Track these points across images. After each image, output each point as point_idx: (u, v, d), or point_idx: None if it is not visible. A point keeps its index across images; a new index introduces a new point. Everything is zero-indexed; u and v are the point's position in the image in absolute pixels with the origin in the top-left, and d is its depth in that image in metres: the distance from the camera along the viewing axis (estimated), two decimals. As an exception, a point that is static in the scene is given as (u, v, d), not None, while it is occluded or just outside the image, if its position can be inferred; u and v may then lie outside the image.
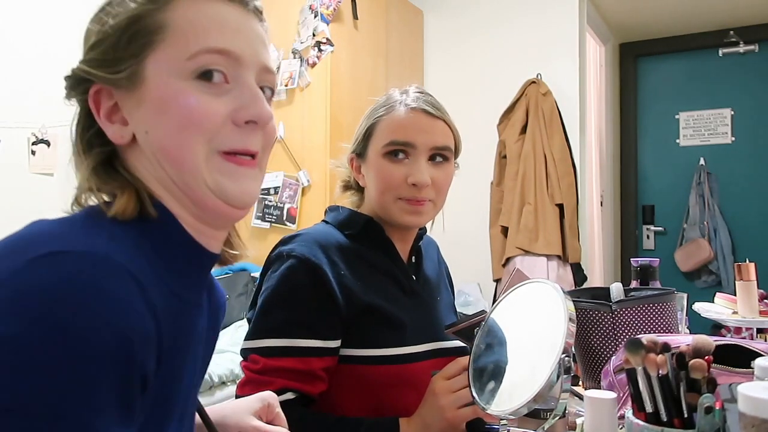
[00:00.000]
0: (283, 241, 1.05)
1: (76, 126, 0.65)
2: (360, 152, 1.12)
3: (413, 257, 1.17)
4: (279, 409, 0.81)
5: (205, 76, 0.60)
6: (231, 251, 0.73)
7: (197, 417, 0.74)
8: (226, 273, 2.89)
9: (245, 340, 1.02)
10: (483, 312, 0.98)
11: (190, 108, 0.59)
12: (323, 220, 1.15)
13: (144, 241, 0.57)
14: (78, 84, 0.63)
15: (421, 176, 1.04)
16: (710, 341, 0.72)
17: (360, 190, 1.16)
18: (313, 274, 0.99)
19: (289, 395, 0.97)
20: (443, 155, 1.08)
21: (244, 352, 1.01)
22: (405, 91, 1.11)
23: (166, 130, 0.60)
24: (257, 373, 0.98)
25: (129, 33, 0.60)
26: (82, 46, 0.63)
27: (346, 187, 1.20)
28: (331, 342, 1.00)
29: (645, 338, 0.70)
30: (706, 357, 0.69)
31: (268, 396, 0.81)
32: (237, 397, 0.99)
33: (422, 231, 1.19)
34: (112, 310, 0.48)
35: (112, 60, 0.61)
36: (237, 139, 0.61)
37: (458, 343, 1.07)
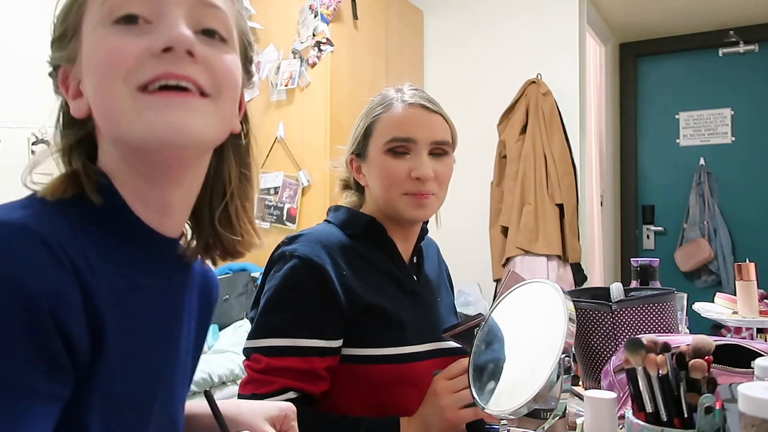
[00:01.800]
0: (286, 241, 1.06)
1: (56, 120, 0.66)
2: (359, 152, 1.12)
3: (415, 257, 1.18)
4: (295, 423, 0.80)
5: (125, 20, 0.58)
6: (234, 237, 0.70)
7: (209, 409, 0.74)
8: (226, 273, 2.88)
9: (248, 339, 1.02)
10: (480, 315, 0.98)
11: (104, 50, 0.57)
12: (325, 220, 1.15)
13: (86, 222, 0.58)
14: (55, 75, 0.64)
15: (425, 170, 1.06)
16: (710, 341, 0.72)
17: (359, 190, 1.17)
18: (316, 274, 1.00)
19: (291, 394, 0.97)
20: (443, 149, 1.10)
21: (247, 352, 1.01)
22: (399, 89, 1.13)
23: (92, 82, 0.59)
24: (259, 372, 0.98)
25: (70, 5, 0.61)
26: None
27: (346, 186, 1.20)
28: (333, 342, 1.00)
29: (645, 338, 0.71)
30: (706, 357, 0.69)
31: (287, 407, 0.80)
32: (239, 396, 0.99)
33: (424, 231, 1.20)
34: (7, 267, 0.49)
35: (62, 36, 0.62)
36: (157, 69, 0.57)
37: (459, 343, 1.07)
